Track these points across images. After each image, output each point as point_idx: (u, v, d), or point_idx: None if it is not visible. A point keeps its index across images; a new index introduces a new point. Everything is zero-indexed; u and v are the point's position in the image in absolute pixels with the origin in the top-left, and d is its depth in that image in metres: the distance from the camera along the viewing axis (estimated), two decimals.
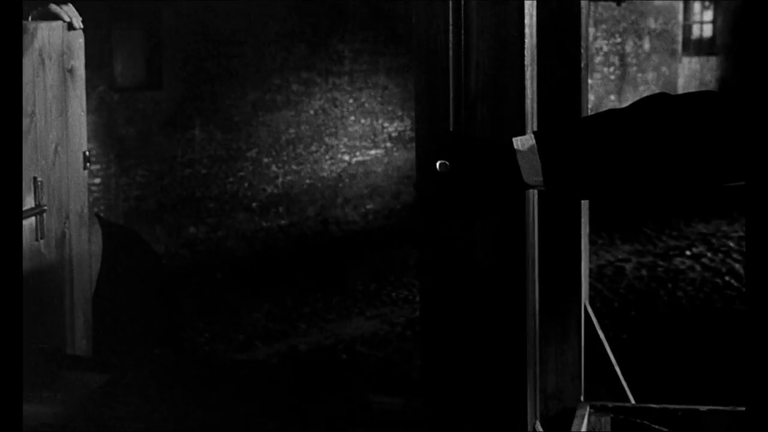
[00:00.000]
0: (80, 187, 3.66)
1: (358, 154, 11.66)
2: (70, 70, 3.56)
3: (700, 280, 9.27)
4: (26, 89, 3.35)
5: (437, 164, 1.80)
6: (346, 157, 11.53)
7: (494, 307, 2.17)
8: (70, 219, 3.60)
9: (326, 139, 11.29)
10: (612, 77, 15.91)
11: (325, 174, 11.27)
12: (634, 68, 16.27)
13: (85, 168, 3.68)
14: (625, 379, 3.39)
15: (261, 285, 9.27)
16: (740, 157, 1.70)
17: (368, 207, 11.78)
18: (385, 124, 11.99)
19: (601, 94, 15.59)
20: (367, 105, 11.75)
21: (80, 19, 3.59)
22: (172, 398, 2.99)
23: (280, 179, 10.78)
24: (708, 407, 3.08)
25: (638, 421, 3.08)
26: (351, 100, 11.55)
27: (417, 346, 6.97)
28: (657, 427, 3.07)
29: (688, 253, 10.37)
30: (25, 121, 3.35)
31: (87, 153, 3.69)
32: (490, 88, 2.08)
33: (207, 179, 10.05)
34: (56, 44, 3.48)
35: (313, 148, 11.15)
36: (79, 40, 3.60)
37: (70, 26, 3.55)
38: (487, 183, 1.79)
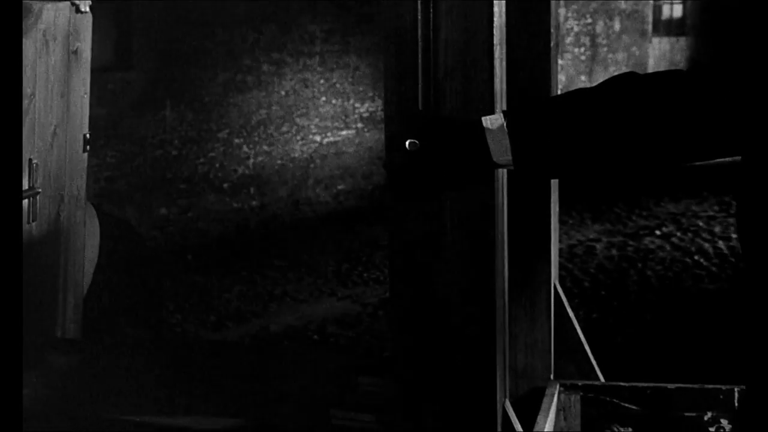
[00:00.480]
0: (78, 170, 3.58)
1: (329, 134, 11.64)
2: (75, 52, 3.48)
3: (670, 259, 9.33)
4: (27, 70, 3.23)
5: (407, 143, 1.80)
6: (318, 138, 11.50)
7: (464, 287, 2.18)
8: (66, 202, 3.52)
9: (297, 120, 11.25)
10: (582, 57, 15.94)
11: (296, 155, 11.25)
12: (605, 49, 16.30)
13: (84, 150, 3.61)
14: (595, 358, 3.41)
15: (232, 266, 9.25)
16: (707, 135, 1.71)
17: (340, 187, 11.77)
18: (357, 105, 11.97)
19: (571, 74, 15.62)
20: (338, 85, 11.72)
21: (89, 2, 3.52)
22: (148, 379, 2.99)
23: (252, 160, 10.74)
24: (676, 385, 3.11)
25: (608, 399, 3.11)
26: (322, 81, 11.52)
27: (388, 326, 6.98)
28: (626, 404, 3.10)
29: (657, 232, 10.42)
30: (24, 102, 3.26)
31: (88, 136, 3.62)
32: (459, 67, 2.08)
33: (178, 160, 10.00)
34: (61, 25, 3.40)
35: (285, 129, 11.11)
36: (86, 22, 3.52)
37: (78, 9, 3.49)
38: (456, 162, 1.79)
